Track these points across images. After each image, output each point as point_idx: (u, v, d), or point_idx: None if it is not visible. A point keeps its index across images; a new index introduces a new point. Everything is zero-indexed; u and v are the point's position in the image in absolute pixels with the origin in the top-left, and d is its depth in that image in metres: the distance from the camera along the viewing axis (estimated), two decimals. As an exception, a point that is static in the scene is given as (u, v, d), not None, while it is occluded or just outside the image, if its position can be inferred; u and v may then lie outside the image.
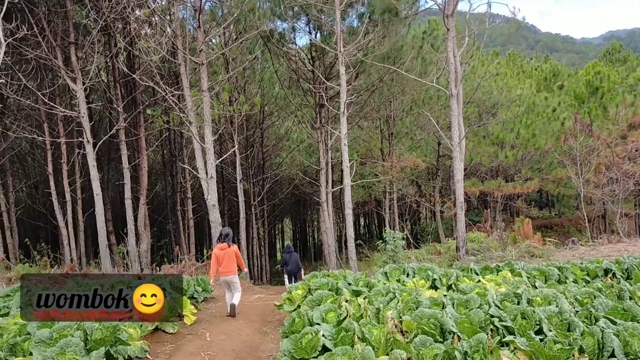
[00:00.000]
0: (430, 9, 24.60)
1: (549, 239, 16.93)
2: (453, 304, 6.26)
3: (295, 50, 20.35)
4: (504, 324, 5.45)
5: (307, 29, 19.40)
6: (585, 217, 21.98)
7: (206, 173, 15.51)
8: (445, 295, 7.09)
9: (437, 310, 5.67)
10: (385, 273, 9.00)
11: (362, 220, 52.91)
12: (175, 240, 26.93)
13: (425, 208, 25.22)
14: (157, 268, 16.71)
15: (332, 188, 21.37)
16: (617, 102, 24.07)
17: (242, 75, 22.23)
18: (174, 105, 15.25)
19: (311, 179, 25.79)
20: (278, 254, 48.83)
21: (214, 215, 15.65)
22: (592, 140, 21.94)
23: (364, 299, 7.20)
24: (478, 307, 6.07)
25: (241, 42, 18.66)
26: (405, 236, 15.24)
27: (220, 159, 17.24)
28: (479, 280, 7.94)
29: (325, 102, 17.22)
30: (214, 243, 16.38)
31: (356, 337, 5.39)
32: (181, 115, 15.58)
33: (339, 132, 15.61)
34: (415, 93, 23.77)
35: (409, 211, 29.86)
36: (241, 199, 20.90)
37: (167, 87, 15.90)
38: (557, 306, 6.03)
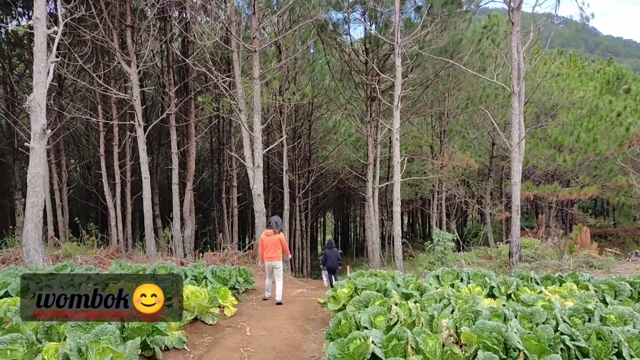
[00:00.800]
0: (488, 7, 23.59)
1: (609, 250, 15.90)
2: (516, 316, 5.71)
3: (349, 41, 19.87)
4: (576, 344, 4.87)
5: (362, 20, 18.89)
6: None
7: (253, 162, 15.30)
8: (504, 305, 6.53)
9: (500, 324, 5.14)
10: (437, 276, 8.47)
11: (405, 218, 52.03)
12: (219, 227, 27.02)
13: (475, 210, 24.32)
14: (200, 254, 16.67)
15: (379, 184, 20.85)
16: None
17: (294, 65, 21.93)
18: (225, 92, 15.08)
19: (357, 174, 25.26)
20: (319, 248, 48.63)
21: (259, 205, 15.44)
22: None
23: (415, 303, 6.72)
24: (544, 322, 5.50)
25: (295, 31, 18.33)
26: (455, 237, 14.60)
27: (268, 149, 17.00)
28: (541, 291, 7.32)
29: (379, 95, 16.67)
30: (258, 233, 16.23)
31: (409, 347, 4.94)
32: (231, 102, 15.42)
33: (391, 126, 15.08)
34: (471, 90, 22.91)
35: (456, 212, 29.00)
36: (286, 190, 20.65)
37: (219, 74, 15.78)
38: (634, 326, 5.41)
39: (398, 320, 5.97)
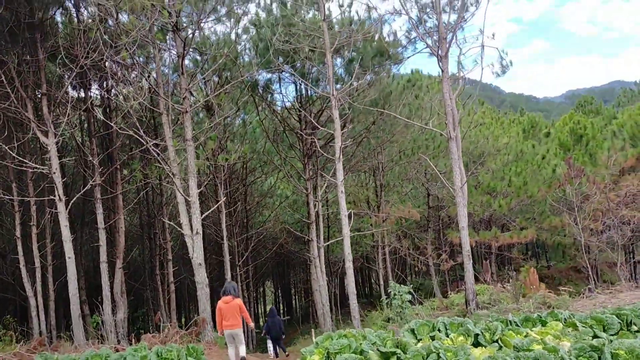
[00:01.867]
0: (414, 59, 24.34)
1: (562, 288, 15.86)
2: (519, 363, 5.07)
3: (282, 100, 19.66)
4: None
5: (293, 76, 18.73)
6: (588, 265, 21.05)
7: (191, 229, 14.22)
8: (498, 354, 5.86)
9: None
10: (412, 330, 7.73)
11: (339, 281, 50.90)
12: (153, 308, 25.03)
13: (420, 262, 24.02)
14: (136, 339, 15.05)
15: (325, 242, 20.14)
16: (607, 147, 23.79)
17: (226, 127, 21.34)
18: (156, 156, 14.10)
19: (299, 234, 24.44)
20: (261, 320, 46.43)
21: (201, 275, 14.25)
22: (587, 186, 21.33)
23: (401, 362, 5.95)
24: (553, 366, 4.90)
25: (225, 91, 17.88)
26: (410, 290, 14.01)
27: (205, 214, 15.95)
28: (527, 334, 6.76)
29: (318, 148, 16.26)
30: (201, 306, 14.89)
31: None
32: (164, 167, 14.43)
33: (334, 179, 14.60)
34: (403, 141, 23.12)
35: (401, 266, 28.63)
36: (227, 258, 19.46)
37: (148, 139, 14.84)
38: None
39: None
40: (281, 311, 49.95)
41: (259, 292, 50.93)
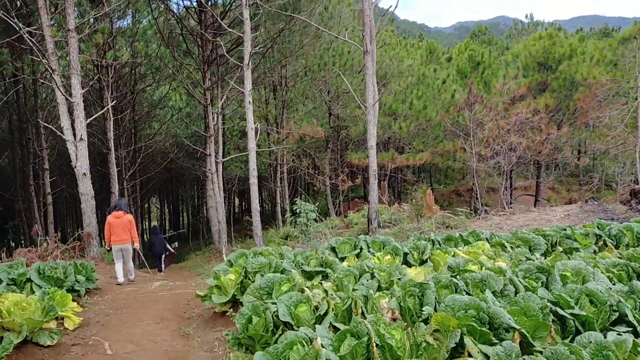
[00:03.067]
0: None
1: (460, 209, 16.36)
2: (466, 285, 4.68)
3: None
4: (573, 312, 3.94)
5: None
6: (478, 189, 22.08)
7: (74, 134, 12.47)
8: (435, 277, 5.49)
9: (475, 298, 4.02)
10: (333, 248, 7.22)
11: (236, 200, 50.28)
12: (27, 221, 22.71)
13: (319, 181, 23.80)
14: (8, 253, 13.35)
15: (224, 157, 19.06)
16: (503, 75, 24.53)
17: (112, 24, 18.81)
18: (32, 47, 11.90)
19: (194, 149, 23.03)
20: (145, 236, 44.72)
21: (85, 186, 12.72)
22: (484, 112, 21.97)
23: (334, 282, 5.37)
24: (502, 290, 4.55)
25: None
26: (316, 208, 13.61)
27: (91, 118, 14.09)
28: (455, 254, 6.49)
29: (225, 53, 14.74)
30: (86, 220, 13.44)
31: (373, 344, 3.55)
32: (41, 60, 12.29)
33: (242, 88, 13.39)
34: (310, 56, 22.06)
35: (294, 185, 28.41)
36: (114, 169, 17.75)
37: (22, 25, 12.46)
38: (598, 283, 4.71)
39: (329, 308, 4.54)
40: (168, 228, 48.68)
41: (144, 209, 48.81)
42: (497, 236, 7.49)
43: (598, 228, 7.45)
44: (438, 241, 7.37)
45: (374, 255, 6.58)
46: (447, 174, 32.91)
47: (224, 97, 18.84)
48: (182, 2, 17.76)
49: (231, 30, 14.09)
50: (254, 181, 13.11)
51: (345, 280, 5.30)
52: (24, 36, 11.77)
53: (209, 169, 19.44)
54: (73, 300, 6.41)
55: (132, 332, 5.71)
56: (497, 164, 23.52)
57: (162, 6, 18.90)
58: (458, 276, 4.91)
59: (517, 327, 3.66)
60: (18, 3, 14.11)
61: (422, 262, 6.39)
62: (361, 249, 7.06)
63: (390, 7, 15.76)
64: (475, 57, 29.46)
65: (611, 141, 23.49)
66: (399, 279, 5.28)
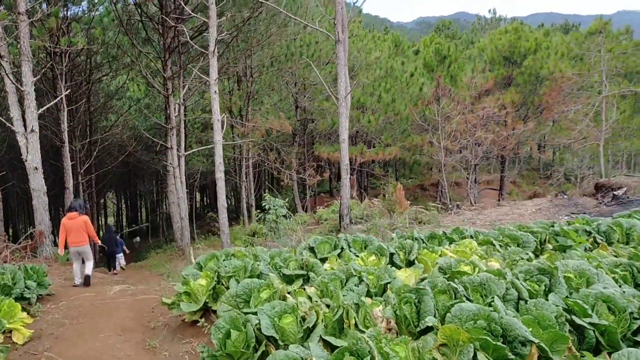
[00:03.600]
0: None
1: (432, 204, 16.02)
2: (466, 290, 4.19)
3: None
4: (592, 321, 3.49)
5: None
6: (446, 183, 21.89)
7: (24, 126, 11.48)
8: (425, 279, 4.99)
9: (484, 307, 3.53)
10: (312, 248, 6.62)
11: (197, 195, 48.93)
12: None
13: (286, 176, 23.12)
14: (-51, 255, 12.26)
15: (186, 151, 18.19)
16: (471, 69, 24.40)
17: (66, 8, 17.63)
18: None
19: (154, 141, 22.02)
20: (101, 232, 43.10)
21: (37, 182, 11.76)
22: (452, 106, 21.77)
23: (318, 287, 4.80)
24: (504, 295, 4.07)
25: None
26: (285, 204, 12.99)
27: (44, 108, 13.04)
28: (442, 253, 6.02)
29: (189, 39, 13.88)
30: (38, 217, 12.45)
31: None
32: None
33: (207, 78, 12.60)
34: (277, 46, 21.34)
35: (262, 179, 27.69)
36: (68, 163, 16.66)
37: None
38: (605, 286, 4.30)
39: (318, 319, 3.96)
40: (125, 224, 47.17)
41: (100, 204, 47.04)
42: (482, 233, 7.07)
43: (587, 224, 7.13)
44: (422, 239, 6.89)
45: (358, 256, 6.03)
46: (412, 168, 32.82)
47: (186, 87, 17.98)
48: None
49: (195, 15, 13.24)
50: (220, 175, 12.37)
51: (331, 285, 4.73)
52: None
53: (170, 163, 18.53)
54: (23, 309, 5.66)
55: (90, 346, 5.00)
56: (464, 157, 23.43)
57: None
58: (455, 279, 4.40)
59: (535, 341, 3.18)
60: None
61: (410, 263, 5.88)
62: (342, 248, 6.49)
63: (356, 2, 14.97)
64: (442, 51, 29.30)
65: (575, 135, 23.74)
66: (389, 282, 4.76)
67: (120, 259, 16.54)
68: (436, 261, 5.46)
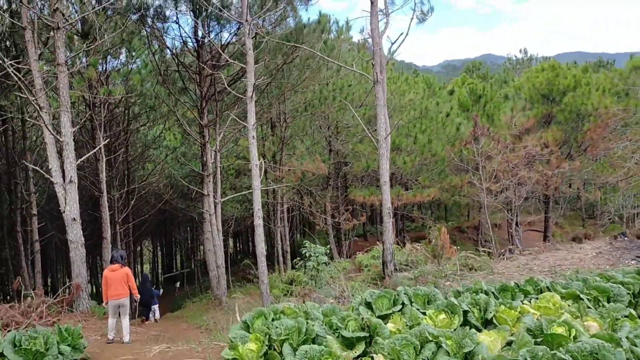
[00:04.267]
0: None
1: (482, 249, 15.24)
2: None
3: (178, 31, 16.75)
4: None
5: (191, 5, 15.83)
6: (490, 225, 21.00)
7: (63, 176, 11.37)
8: (511, 343, 4.35)
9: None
10: (369, 303, 6.05)
11: (230, 241, 48.67)
12: (13, 270, 21.28)
13: (322, 220, 22.60)
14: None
15: (222, 198, 17.96)
16: (510, 107, 23.83)
17: (105, 59, 17.95)
18: (17, 80, 10.91)
19: (191, 188, 21.96)
20: (137, 279, 42.96)
21: (75, 233, 11.54)
22: (492, 145, 21.10)
23: (388, 356, 4.21)
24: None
25: (106, 10, 14.64)
26: (327, 251, 12.43)
27: (82, 158, 12.99)
28: (521, 310, 5.36)
29: (227, 86, 13.74)
30: (76, 270, 12.20)
31: None
32: (28, 97, 11.28)
33: (244, 124, 12.38)
34: (309, 91, 21.27)
35: (294, 224, 27.25)
36: (106, 213, 16.55)
37: (6, 59, 11.50)
38: None
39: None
40: (160, 272, 47.10)
41: (137, 252, 47.20)
42: (559, 284, 6.35)
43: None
44: (493, 292, 6.22)
45: (424, 314, 5.42)
46: (450, 209, 31.88)
47: (221, 134, 17.91)
48: (181, 35, 16.82)
49: (233, 62, 13.13)
50: (259, 222, 11.97)
51: (404, 352, 4.15)
52: (9, 71, 10.78)
53: (206, 210, 18.32)
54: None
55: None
56: (507, 198, 22.57)
57: (157, 44, 18.06)
58: (560, 348, 3.76)
59: None
60: (7, 43, 13.22)
61: (487, 322, 5.23)
62: (403, 304, 5.88)
63: (401, 34, 14.61)
64: (477, 91, 28.91)
65: (624, 173, 22.71)
66: (472, 349, 4.14)
67: (156, 310, 16.15)
68: (521, 320, 4.82)
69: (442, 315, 5.30)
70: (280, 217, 22.65)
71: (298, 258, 13.60)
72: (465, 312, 5.29)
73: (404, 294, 6.07)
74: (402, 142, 22.96)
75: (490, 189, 21.71)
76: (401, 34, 13.00)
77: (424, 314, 5.46)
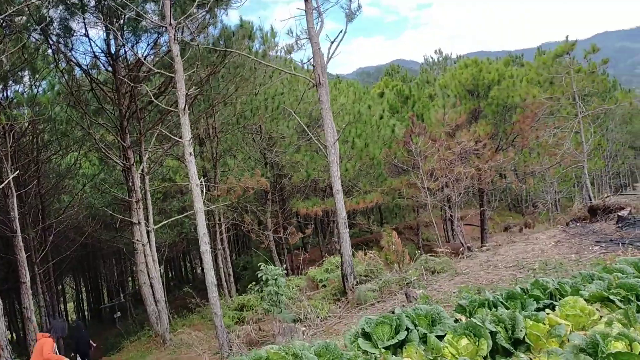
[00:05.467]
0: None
1: (440, 250, 14.61)
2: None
3: (89, 45, 15.12)
4: None
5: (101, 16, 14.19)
6: (435, 223, 20.68)
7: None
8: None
9: None
10: (367, 334, 5.04)
11: (162, 267, 46.06)
12: None
13: (266, 237, 21.30)
14: None
15: (155, 225, 16.34)
16: (442, 105, 23.76)
17: (4, 83, 15.92)
18: None
19: (119, 217, 20.05)
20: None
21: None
22: (429, 144, 20.85)
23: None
24: None
25: (4, 28, 12.84)
26: (284, 271, 11.29)
27: (-12, 195, 11.12)
28: (550, 322, 4.56)
29: (153, 98, 12.28)
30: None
31: None
32: None
33: (179, 139, 11.03)
34: (241, 102, 20.11)
35: (235, 244, 25.82)
36: (22, 256, 14.50)
37: None
38: None
39: None
40: (85, 309, 43.94)
41: (59, 291, 43.50)
42: (566, 283, 5.61)
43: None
44: (502, 302, 5.40)
45: (447, 343, 4.46)
46: (387, 212, 31.49)
47: (147, 155, 16.36)
48: (92, 50, 15.13)
49: (159, 71, 11.75)
50: (206, 248, 10.63)
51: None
52: None
53: (138, 240, 16.64)
54: None
55: None
56: (445, 196, 22.45)
57: (64, 63, 16.21)
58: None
59: None
60: None
61: (517, 342, 4.37)
62: (408, 329, 4.92)
63: (340, 32, 13.66)
64: (403, 92, 28.87)
65: (552, 160, 23.24)
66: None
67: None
68: (553, 334, 4.00)
69: (464, 341, 4.37)
70: (220, 239, 21.18)
71: (254, 283, 12.37)
72: (493, 333, 4.39)
73: (406, 316, 5.10)
74: (341, 148, 22.20)
75: (429, 188, 21.46)
76: (340, 32, 12.17)
77: (439, 339, 4.52)
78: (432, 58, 54.13)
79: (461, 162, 22.47)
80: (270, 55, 20.83)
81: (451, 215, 23.94)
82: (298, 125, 21.64)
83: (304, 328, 8.45)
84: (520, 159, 25.55)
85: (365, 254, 16.12)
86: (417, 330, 4.99)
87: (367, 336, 5.08)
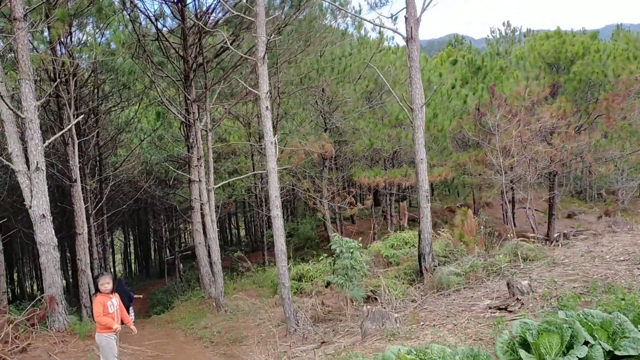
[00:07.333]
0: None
1: (531, 234, 13.28)
2: None
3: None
4: None
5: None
6: (507, 204, 19.19)
7: (27, 162, 8.87)
8: None
9: None
10: (525, 343, 3.90)
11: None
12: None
13: (324, 206, 20.35)
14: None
15: (216, 184, 15.58)
16: (525, 77, 21.91)
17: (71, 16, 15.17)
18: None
19: (178, 173, 19.50)
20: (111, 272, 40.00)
21: (45, 233, 9.12)
22: (510, 117, 19.16)
23: None
24: None
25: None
26: (359, 245, 10.24)
27: (51, 139, 10.44)
28: None
29: (230, 45, 11.28)
30: (48, 278, 9.78)
31: None
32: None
33: (257, 91, 9.98)
34: (303, 64, 18.94)
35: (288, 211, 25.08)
36: (81, 207, 14.00)
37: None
38: None
39: None
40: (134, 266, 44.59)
41: (108, 243, 44.06)
42: None
43: None
44: None
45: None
46: (440, 189, 29.92)
47: (210, 111, 15.46)
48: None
49: (238, 13, 10.67)
50: (277, 213, 9.67)
51: None
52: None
53: (196, 198, 15.98)
54: None
55: None
56: (517, 176, 20.79)
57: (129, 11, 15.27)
58: None
59: None
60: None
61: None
62: (587, 343, 3.79)
63: None
64: (475, 62, 27.03)
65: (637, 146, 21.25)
66: None
67: (131, 312, 13.85)
68: None
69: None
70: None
71: (325, 255, 11.41)
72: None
73: (579, 325, 3.92)
74: (406, 117, 20.88)
75: (502, 166, 19.87)
76: None
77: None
78: (499, 30, 51.15)
79: (540, 140, 20.75)
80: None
81: (515, 198, 22.29)
82: (364, 90, 20.37)
83: (396, 314, 7.39)
84: (599, 141, 23.51)
85: (436, 232, 14.93)
86: (601, 345, 3.81)
87: (525, 346, 3.94)
